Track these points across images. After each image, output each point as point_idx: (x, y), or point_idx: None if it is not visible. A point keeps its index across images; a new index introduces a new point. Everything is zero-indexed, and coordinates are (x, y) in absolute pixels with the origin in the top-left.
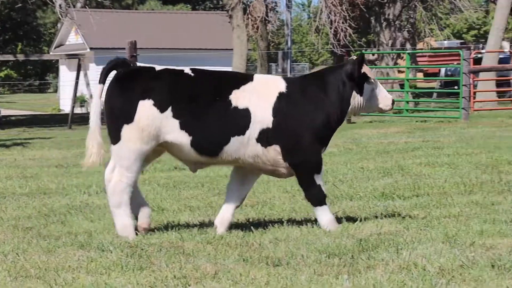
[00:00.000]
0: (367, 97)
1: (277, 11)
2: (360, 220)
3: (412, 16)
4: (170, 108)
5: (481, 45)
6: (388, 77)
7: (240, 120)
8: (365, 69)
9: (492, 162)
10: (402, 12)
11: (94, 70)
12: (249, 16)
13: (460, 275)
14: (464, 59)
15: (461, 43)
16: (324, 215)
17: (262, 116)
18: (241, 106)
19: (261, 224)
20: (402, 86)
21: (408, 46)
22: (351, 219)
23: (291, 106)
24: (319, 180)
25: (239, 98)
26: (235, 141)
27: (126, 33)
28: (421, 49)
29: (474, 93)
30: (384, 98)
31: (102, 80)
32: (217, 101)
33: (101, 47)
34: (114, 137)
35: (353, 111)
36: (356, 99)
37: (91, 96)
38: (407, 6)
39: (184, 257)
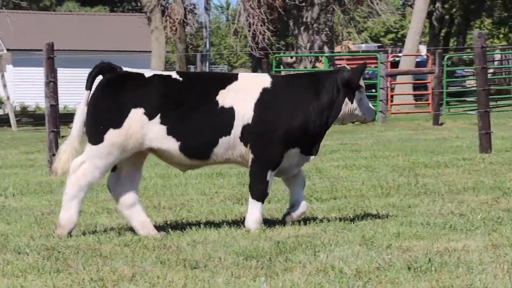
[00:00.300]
0: (356, 106)
1: (195, 14)
2: (278, 223)
3: (330, 19)
4: (159, 115)
5: (398, 49)
6: None
7: (227, 119)
8: None
9: (409, 165)
10: (320, 15)
11: (11, 72)
12: (168, 18)
13: (376, 277)
14: (381, 63)
15: (379, 47)
16: (256, 211)
17: (244, 115)
18: (227, 105)
19: (179, 227)
20: None
21: (326, 49)
22: (269, 222)
23: (271, 103)
24: (270, 177)
25: (225, 99)
26: (222, 142)
27: (44, 34)
28: (339, 52)
29: (392, 96)
30: (369, 109)
31: (89, 86)
32: (205, 105)
33: (18, 48)
34: (96, 138)
35: (343, 117)
36: (348, 106)
37: (8, 98)
38: (325, 10)
39: (101, 259)
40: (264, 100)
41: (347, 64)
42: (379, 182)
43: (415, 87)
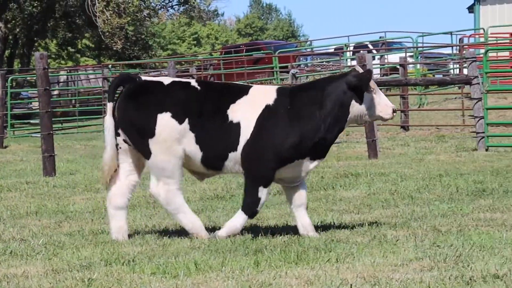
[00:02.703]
0: (367, 106)
1: None
2: None
3: None
4: (186, 121)
5: None
6: None
7: (235, 134)
8: None
9: None
10: None
11: None
12: None
13: None
14: None
15: None
16: (238, 223)
17: (247, 131)
18: (236, 120)
19: None
20: None
21: None
22: None
23: (270, 119)
24: (262, 194)
25: (236, 111)
26: (231, 157)
27: None
28: None
29: None
30: (385, 106)
31: (111, 98)
32: (221, 115)
33: None
34: (145, 153)
35: (354, 119)
36: (355, 108)
37: None
38: None
39: None
40: (264, 119)
41: None
42: None
43: None
